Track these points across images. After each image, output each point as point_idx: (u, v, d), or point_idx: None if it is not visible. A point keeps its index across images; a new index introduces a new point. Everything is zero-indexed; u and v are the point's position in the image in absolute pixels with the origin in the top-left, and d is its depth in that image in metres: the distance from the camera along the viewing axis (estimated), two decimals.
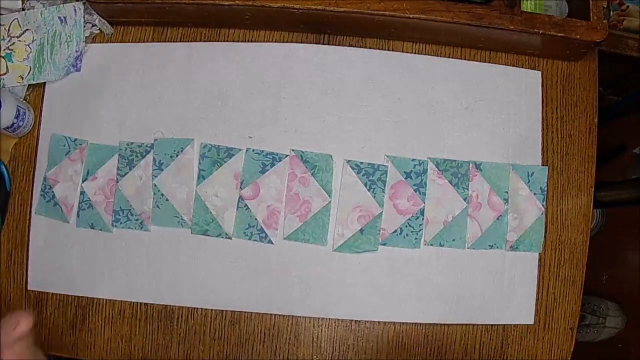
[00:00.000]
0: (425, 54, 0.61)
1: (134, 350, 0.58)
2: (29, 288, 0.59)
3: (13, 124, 0.57)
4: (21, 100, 0.60)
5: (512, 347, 0.58)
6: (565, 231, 0.59)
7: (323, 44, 0.61)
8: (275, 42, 0.61)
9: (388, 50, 0.61)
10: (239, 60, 0.60)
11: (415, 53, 0.61)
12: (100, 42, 0.62)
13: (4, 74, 0.60)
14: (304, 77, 0.60)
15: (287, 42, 0.61)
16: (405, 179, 0.58)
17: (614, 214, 1.22)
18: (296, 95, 0.60)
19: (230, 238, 0.58)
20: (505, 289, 0.58)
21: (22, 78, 0.60)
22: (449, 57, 0.61)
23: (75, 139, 0.60)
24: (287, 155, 0.58)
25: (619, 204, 0.89)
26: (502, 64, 0.61)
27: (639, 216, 1.24)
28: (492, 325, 0.58)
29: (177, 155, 0.59)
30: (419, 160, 0.58)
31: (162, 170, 0.59)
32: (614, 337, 1.19)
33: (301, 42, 0.61)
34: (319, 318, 0.57)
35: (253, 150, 0.58)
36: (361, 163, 0.58)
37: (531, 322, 0.58)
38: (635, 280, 1.22)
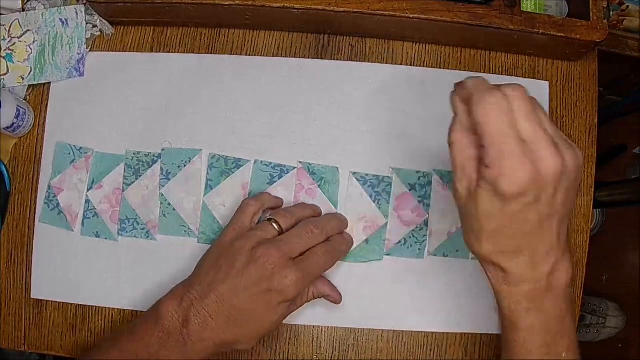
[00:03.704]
0: (429, 67, 0.60)
1: None
2: (32, 296, 0.59)
3: (13, 124, 0.57)
4: (21, 100, 0.60)
5: None
6: None
7: (323, 44, 0.61)
8: (279, 52, 0.61)
9: (388, 50, 0.61)
10: (246, 75, 0.60)
11: (415, 53, 0.61)
12: (104, 50, 0.61)
13: (5, 74, 0.60)
14: (310, 92, 0.60)
15: (287, 42, 0.61)
16: (409, 190, 0.58)
17: (614, 214, 1.23)
18: (303, 109, 0.60)
19: None
20: None
21: (23, 79, 0.60)
22: (449, 57, 0.61)
23: (81, 148, 0.60)
24: (294, 167, 0.58)
25: (619, 204, 0.89)
26: (508, 75, 0.60)
27: (639, 216, 1.24)
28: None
29: (184, 165, 0.59)
30: (424, 172, 0.58)
31: (170, 179, 0.59)
32: (614, 337, 1.19)
33: (301, 42, 0.61)
34: None
35: (261, 162, 0.59)
36: (366, 175, 0.58)
37: None
38: (635, 280, 1.22)
